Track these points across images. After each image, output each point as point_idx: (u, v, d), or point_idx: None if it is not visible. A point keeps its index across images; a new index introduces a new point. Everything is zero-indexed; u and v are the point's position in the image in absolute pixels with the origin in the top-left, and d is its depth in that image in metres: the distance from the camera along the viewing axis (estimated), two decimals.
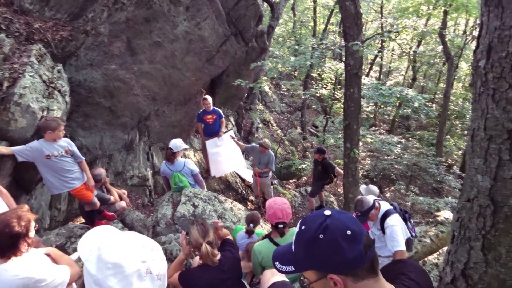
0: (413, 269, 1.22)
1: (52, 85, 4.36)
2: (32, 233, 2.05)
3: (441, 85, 19.38)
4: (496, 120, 1.26)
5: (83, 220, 4.90)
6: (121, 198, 5.06)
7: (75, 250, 3.95)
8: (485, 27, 1.32)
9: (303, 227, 1.01)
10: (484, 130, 1.31)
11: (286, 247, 1.10)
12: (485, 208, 1.31)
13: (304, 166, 9.68)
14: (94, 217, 4.33)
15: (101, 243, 1.09)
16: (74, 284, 2.36)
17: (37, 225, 2.17)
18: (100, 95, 5.62)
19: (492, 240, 1.30)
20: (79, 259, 3.76)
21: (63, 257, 2.29)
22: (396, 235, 3.33)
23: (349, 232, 0.92)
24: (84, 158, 4.07)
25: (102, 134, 5.93)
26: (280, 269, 1.08)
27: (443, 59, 16.64)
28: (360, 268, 0.93)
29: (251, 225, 3.57)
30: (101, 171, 4.72)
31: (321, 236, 0.94)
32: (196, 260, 2.66)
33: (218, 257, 2.39)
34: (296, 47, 9.56)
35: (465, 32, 17.22)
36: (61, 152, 3.73)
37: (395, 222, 3.41)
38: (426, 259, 4.66)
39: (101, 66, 5.48)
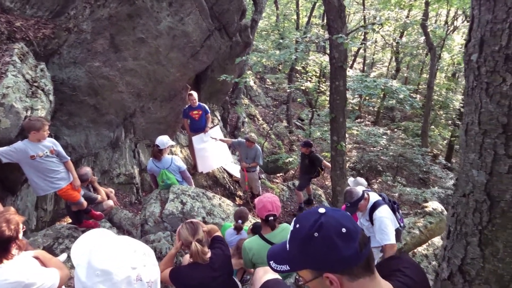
0: (408, 265, 1.23)
1: (36, 84, 4.29)
2: (21, 236, 2.05)
3: (424, 75, 19.65)
4: (491, 114, 1.24)
5: (70, 220, 4.86)
6: (108, 197, 5.03)
7: (63, 251, 3.95)
8: (476, 20, 1.30)
9: (297, 225, 1.01)
10: (478, 124, 1.29)
11: (281, 246, 1.10)
12: (481, 203, 1.29)
13: (291, 159, 9.75)
14: (81, 217, 4.30)
15: (92, 248, 1.08)
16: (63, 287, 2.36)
17: (24, 227, 2.16)
18: (84, 93, 5.55)
19: (489, 235, 1.28)
20: (67, 260, 3.77)
21: (52, 260, 2.28)
22: (385, 228, 3.35)
23: (344, 229, 0.92)
24: (69, 158, 4.04)
25: (87, 133, 5.86)
26: (275, 268, 1.08)
27: (426, 50, 16.88)
28: (355, 266, 0.93)
29: (240, 221, 3.59)
30: (87, 170, 4.68)
31: (315, 234, 0.93)
32: (186, 258, 2.67)
33: (209, 255, 2.39)
34: (281, 40, 9.57)
35: (446, 22, 17.48)
36: (46, 152, 3.69)
37: (385, 214, 3.42)
38: (415, 250, 4.75)
39: (85, 64, 5.40)
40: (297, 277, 3.11)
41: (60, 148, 3.87)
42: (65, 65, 5.26)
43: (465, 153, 1.39)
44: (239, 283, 2.78)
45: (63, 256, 3.82)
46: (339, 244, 0.91)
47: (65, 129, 5.56)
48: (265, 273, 2.12)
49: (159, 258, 3.66)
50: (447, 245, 1.50)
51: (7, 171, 4.03)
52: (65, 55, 5.21)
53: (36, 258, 2.23)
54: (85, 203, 4.16)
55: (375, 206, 3.51)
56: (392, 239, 3.33)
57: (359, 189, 3.57)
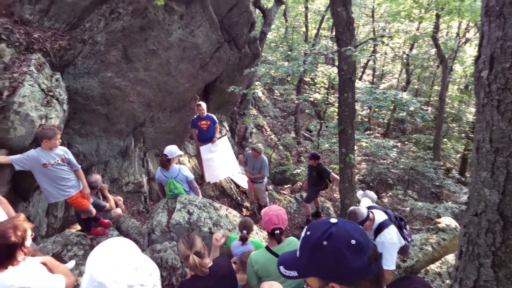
0: (420, 285, 1.23)
1: (51, 93, 4.42)
2: (28, 242, 2.09)
3: (436, 87, 19.52)
4: (502, 132, 1.21)
5: (79, 227, 4.92)
6: (117, 205, 5.09)
7: (71, 258, 4.00)
8: (486, 37, 1.29)
9: (308, 233, 1.02)
10: (490, 142, 1.26)
11: (292, 253, 1.12)
12: (494, 224, 1.25)
13: (299, 171, 9.71)
14: (90, 225, 4.35)
15: (98, 259, 1.10)
16: None
17: (33, 234, 2.21)
18: (96, 102, 5.68)
19: (503, 257, 1.23)
20: (75, 268, 3.81)
21: (59, 267, 2.31)
22: (387, 253, 3.28)
23: (353, 241, 0.92)
24: (80, 166, 4.11)
25: (99, 141, 5.98)
26: (284, 273, 1.09)
27: (437, 62, 16.79)
28: (363, 279, 0.92)
29: (244, 231, 3.57)
30: (97, 178, 4.75)
31: (324, 243, 0.94)
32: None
33: (209, 265, 2.38)
34: (289, 52, 9.66)
35: (458, 34, 17.42)
36: (57, 160, 3.76)
37: (390, 237, 3.32)
38: (428, 267, 4.59)
39: (98, 74, 5.54)
40: (304, 285, 3.06)
41: (71, 157, 3.96)
42: (80, 75, 5.41)
43: (476, 171, 1.36)
44: None
45: (71, 264, 3.88)
46: (347, 255, 0.91)
47: (78, 137, 5.69)
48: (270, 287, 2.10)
49: (165, 268, 3.68)
50: (459, 265, 1.46)
51: (20, 178, 4.13)
52: (79, 65, 5.37)
53: (44, 264, 2.27)
54: (94, 211, 4.22)
55: (381, 227, 3.39)
56: (391, 266, 3.28)
57: (364, 210, 3.49)
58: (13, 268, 1.97)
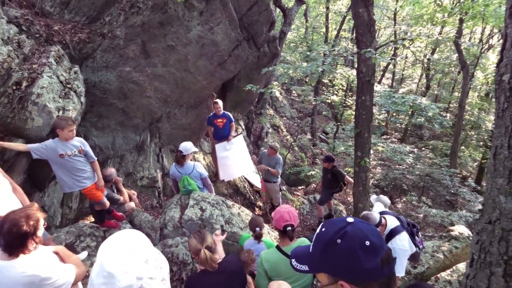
0: None
1: (69, 85, 4.47)
2: (40, 232, 2.09)
3: (456, 94, 19.08)
4: None
5: (93, 219, 4.97)
6: (130, 199, 5.12)
7: (84, 249, 4.03)
8: (509, 39, 1.27)
9: (323, 229, 1.02)
10: (508, 148, 1.24)
11: (305, 247, 1.12)
12: (509, 232, 1.23)
13: (313, 173, 9.62)
14: (103, 217, 4.38)
15: (110, 250, 1.09)
16: (80, 284, 2.39)
17: (46, 224, 2.21)
18: (114, 96, 5.73)
19: None
20: (87, 259, 3.83)
21: (71, 257, 2.32)
22: (400, 261, 3.29)
23: (367, 243, 0.92)
24: (96, 159, 4.14)
25: (115, 135, 6.03)
26: (295, 266, 1.10)
27: (458, 68, 16.40)
28: (374, 281, 0.92)
29: (257, 229, 3.55)
30: (112, 171, 4.79)
31: (338, 241, 0.94)
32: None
33: (219, 260, 2.39)
34: (308, 53, 9.56)
35: (481, 40, 16.92)
36: (74, 151, 3.79)
37: (401, 244, 3.33)
38: (438, 275, 4.55)
39: (116, 68, 5.59)
40: (314, 281, 3.00)
41: (88, 148, 3.98)
42: (98, 68, 5.46)
43: (492, 178, 1.33)
44: None
45: (83, 254, 3.91)
46: (360, 255, 0.91)
47: (94, 130, 5.75)
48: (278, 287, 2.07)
49: (176, 263, 3.66)
50: (470, 273, 1.43)
51: (36, 168, 4.19)
52: (98, 59, 5.42)
53: (56, 253, 2.28)
54: (107, 203, 4.24)
55: (393, 233, 3.39)
56: (401, 272, 3.28)
57: (376, 215, 3.46)
58: (25, 257, 1.98)
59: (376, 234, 0.96)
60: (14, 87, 3.88)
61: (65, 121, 3.61)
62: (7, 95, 3.82)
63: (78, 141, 3.85)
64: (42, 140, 3.91)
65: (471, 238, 5.42)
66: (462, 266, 4.71)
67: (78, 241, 4.14)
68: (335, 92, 13.17)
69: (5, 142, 3.58)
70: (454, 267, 4.71)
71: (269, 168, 6.48)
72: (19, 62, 4.07)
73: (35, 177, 4.41)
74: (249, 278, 2.99)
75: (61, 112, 4.14)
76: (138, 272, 1.01)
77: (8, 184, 2.98)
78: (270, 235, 4.75)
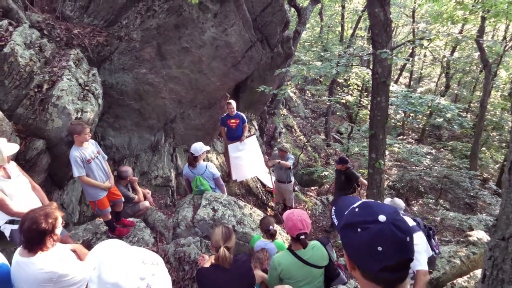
0: None
1: (87, 88, 4.61)
2: (58, 230, 2.19)
3: (477, 93, 18.53)
4: None
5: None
6: (145, 198, 5.23)
7: None
8: None
9: (357, 209, 1.03)
10: None
11: (348, 203, 1.13)
12: None
13: (326, 173, 9.54)
14: (113, 225, 4.36)
15: (102, 262, 1.10)
16: None
17: (64, 222, 2.30)
18: (130, 97, 5.87)
19: None
20: None
21: (88, 255, 2.41)
22: (417, 254, 3.19)
23: (380, 248, 0.92)
24: (107, 157, 4.23)
25: (131, 135, 6.18)
26: (332, 213, 1.23)
27: (480, 66, 15.90)
28: (375, 277, 0.96)
29: (271, 227, 3.60)
30: (128, 168, 4.90)
31: (358, 229, 0.97)
32: (207, 258, 2.76)
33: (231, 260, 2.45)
34: (322, 53, 9.48)
35: (504, 38, 16.35)
36: (95, 154, 3.90)
37: (417, 241, 3.26)
38: (455, 281, 4.45)
39: (132, 70, 5.72)
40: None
41: (100, 148, 4.08)
42: (115, 70, 5.61)
43: (507, 193, 1.29)
44: None
45: None
46: (365, 253, 0.95)
47: (111, 131, 5.91)
48: None
49: (188, 262, 3.73)
50: None
51: (56, 167, 4.35)
52: (115, 61, 5.57)
53: (73, 251, 2.37)
54: (109, 215, 4.20)
55: None
56: (424, 265, 3.19)
57: (401, 203, 3.40)
58: (43, 254, 2.07)
59: (398, 244, 0.94)
60: (36, 90, 4.04)
61: (81, 125, 3.69)
62: (29, 97, 3.99)
63: (93, 144, 3.94)
64: (61, 140, 4.06)
65: None
66: (479, 272, 4.56)
67: (94, 238, 4.28)
68: (350, 92, 13.02)
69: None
70: (471, 273, 4.59)
71: (279, 161, 6.49)
72: (41, 65, 4.24)
73: (54, 176, 4.57)
74: (263, 275, 3.04)
75: (79, 114, 4.28)
76: (139, 274, 1.03)
77: (28, 183, 3.12)
78: (281, 235, 4.76)
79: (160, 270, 1.11)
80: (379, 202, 1.06)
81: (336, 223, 1.18)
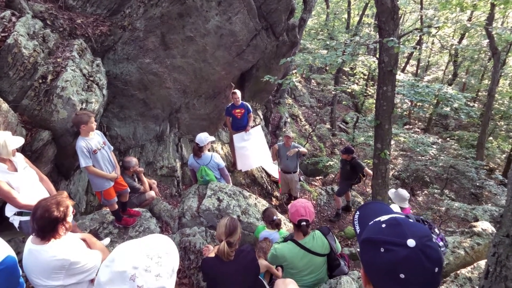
0: None
1: (91, 78, 4.60)
2: (70, 218, 2.22)
3: (485, 82, 18.22)
4: None
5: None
6: (150, 188, 5.26)
7: (106, 235, 4.21)
8: None
9: (383, 225, 0.94)
10: None
11: (372, 215, 1.06)
12: None
13: (331, 163, 9.52)
14: (119, 215, 4.39)
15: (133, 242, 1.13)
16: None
17: (74, 211, 2.34)
18: (135, 87, 5.85)
19: None
20: (110, 245, 4.01)
21: (97, 244, 2.46)
22: None
23: (402, 275, 0.84)
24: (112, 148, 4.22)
25: (136, 125, 6.19)
26: (355, 219, 1.13)
27: (488, 54, 15.59)
28: None
29: (275, 217, 3.62)
30: (133, 159, 4.92)
31: (382, 249, 0.88)
32: (211, 248, 2.80)
33: (233, 254, 2.47)
34: (328, 42, 9.33)
35: None
36: (101, 144, 3.90)
37: None
38: (458, 272, 4.42)
39: (136, 60, 5.69)
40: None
41: (105, 139, 4.07)
42: (119, 60, 5.58)
43: None
44: (267, 286, 2.77)
45: (107, 240, 4.09)
46: (384, 277, 0.88)
47: (116, 121, 5.92)
48: (284, 286, 2.10)
49: (193, 252, 3.77)
50: (484, 285, 1.40)
51: (62, 158, 4.38)
52: (119, 51, 5.53)
53: (83, 240, 2.41)
54: (115, 205, 4.21)
55: None
56: None
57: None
58: (56, 241, 2.10)
59: (424, 274, 0.85)
60: (40, 81, 4.04)
61: (86, 115, 3.65)
62: (34, 89, 3.99)
63: (99, 135, 3.92)
64: (67, 131, 4.07)
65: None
66: (483, 263, 4.51)
67: (101, 228, 4.33)
68: (356, 81, 12.87)
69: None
70: (475, 264, 4.54)
71: (299, 149, 6.50)
72: (45, 56, 4.23)
73: (61, 166, 4.61)
74: (268, 264, 3.07)
75: (84, 105, 4.28)
76: (134, 262, 1.02)
77: (35, 175, 3.14)
78: (286, 225, 4.79)
79: (158, 271, 1.06)
80: (410, 220, 0.94)
81: (358, 230, 1.09)
